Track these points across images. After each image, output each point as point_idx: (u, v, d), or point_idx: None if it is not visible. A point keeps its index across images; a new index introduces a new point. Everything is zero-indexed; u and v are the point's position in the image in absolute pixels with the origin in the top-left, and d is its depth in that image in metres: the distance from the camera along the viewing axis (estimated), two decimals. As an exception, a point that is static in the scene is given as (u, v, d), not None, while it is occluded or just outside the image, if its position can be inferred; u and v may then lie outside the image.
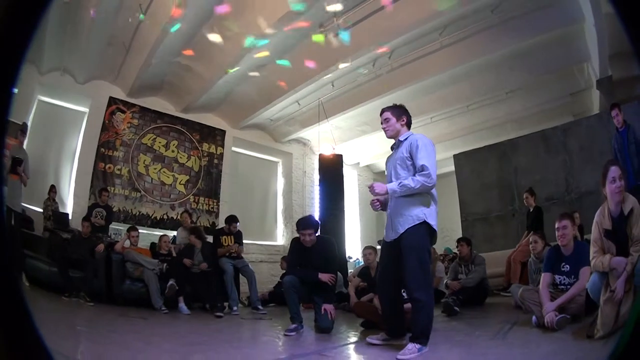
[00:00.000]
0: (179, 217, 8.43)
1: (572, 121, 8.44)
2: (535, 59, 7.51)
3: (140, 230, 7.14)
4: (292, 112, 9.17)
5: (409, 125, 3.39)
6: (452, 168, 9.69)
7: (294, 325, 4.25)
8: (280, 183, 10.69)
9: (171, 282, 6.01)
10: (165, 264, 6.37)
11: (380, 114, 3.43)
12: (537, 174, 8.00)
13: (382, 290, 3.43)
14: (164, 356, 3.08)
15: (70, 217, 7.49)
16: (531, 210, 6.61)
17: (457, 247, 6.36)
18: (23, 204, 6.37)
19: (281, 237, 10.39)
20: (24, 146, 5.84)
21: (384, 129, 3.39)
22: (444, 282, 6.19)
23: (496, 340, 3.18)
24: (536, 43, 7.03)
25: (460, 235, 7.13)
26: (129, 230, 6.83)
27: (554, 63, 7.61)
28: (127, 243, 6.58)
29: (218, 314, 5.75)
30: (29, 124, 7.30)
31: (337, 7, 6.35)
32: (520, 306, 3.97)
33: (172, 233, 7.82)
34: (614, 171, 3.00)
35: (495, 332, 3.34)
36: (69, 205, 7.95)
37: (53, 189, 7.53)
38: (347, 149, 9.62)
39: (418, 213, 3.09)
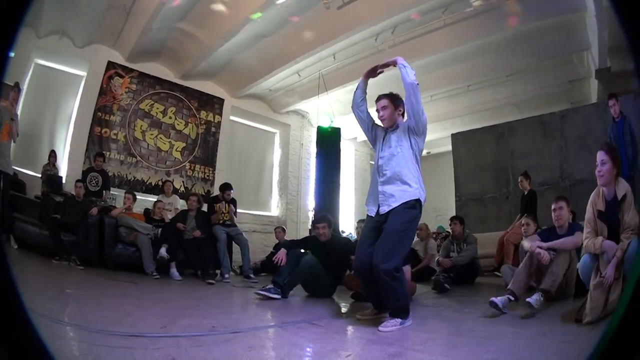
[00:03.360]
0: (163, 184, 8.29)
1: (569, 108, 8.41)
2: (536, 43, 7.47)
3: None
4: (292, 83, 9.06)
5: (403, 115, 3.26)
6: (449, 147, 9.54)
7: (271, 286, 4.42)
8: (276, 154, 10.61)
9: (163, 248, 6.00)
10: (159, 229, 6.34)
11: (377, 100, 3.27)
12: (533, 158, 7.98)
13: (362, 266, 3.10)
14: (152, 319, 3.01)
15: (64, 181, 7.44)
16: (525, 193, 6.58)
17: (450, 225, 6.38)
18: (16, 168, 6.39)
19: (275, 208, 10.36)
20: (19, 105, 5.78)
21: (380, 117, 3.26)
22: (436, 259, 6.23)
23: (484, 319, 3.13)
24: (538, 27, 6.99)
25: (454, 214, 6.98)
26: (125, 194, 6.83)
27: (555, 49, 7.56)
28: (122, 209, 6.56)
29: (209, 280, 5.77)
30: (25, 87, 7.28)
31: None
32: (510, 287, 3.91)
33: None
34: (600, 155, 3.00)
35: (484, 310, 3.30)
36: (63, 168, 7.86)
37: (53, 154, 7.49)
38: (346, 123, 9.49)
39: (413, 190, 3.02)
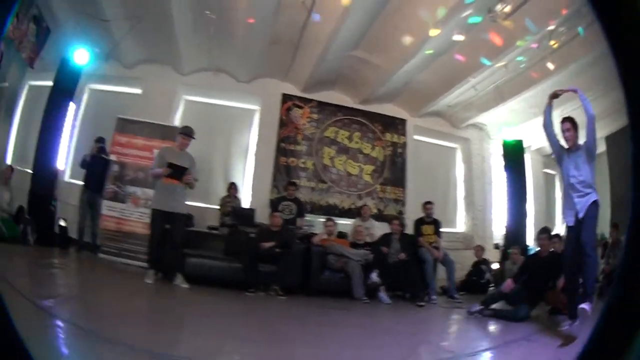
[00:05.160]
0: (358, 208, 8.99)
1: None
2: None
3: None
4: (469, 97, 9.34)
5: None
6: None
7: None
8: (459, 169, 10.98)
9: (374, 273, 6.53)
10: (372, 255, 6.84)
11: (562, 122, 4.50)
12: None
13: (572, 272, 4.43)
14: (386, 349, 3.50)
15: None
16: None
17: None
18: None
19: (462, 224, 10.74)
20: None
21: (566, 137, 4.46)
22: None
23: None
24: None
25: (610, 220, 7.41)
26: (326, 221, 7.47)
27: None
28: (324, 235, 7.20)
29: (420, 303, 6.37)
30: (177, 123, 8.51)
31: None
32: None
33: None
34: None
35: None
36: (245, 200, 8.83)
37: (233, 186, 8.49)
38: (519, 132, 9.62)
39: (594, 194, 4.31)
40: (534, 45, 7.62)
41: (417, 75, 8.85)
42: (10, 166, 7.89)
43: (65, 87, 8.37)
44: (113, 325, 3.34)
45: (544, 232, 6.18)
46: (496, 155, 10.27)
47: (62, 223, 8.16)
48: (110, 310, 4.07)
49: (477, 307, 5.54)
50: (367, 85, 9.34)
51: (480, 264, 8.34)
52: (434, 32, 7.19)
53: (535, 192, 11.48)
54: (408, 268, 6.79)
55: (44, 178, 8.11)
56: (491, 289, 7.64)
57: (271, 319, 4.95)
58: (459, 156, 11.00)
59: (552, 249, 5.87)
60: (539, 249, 6.15)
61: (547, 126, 4.57)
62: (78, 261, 7.44)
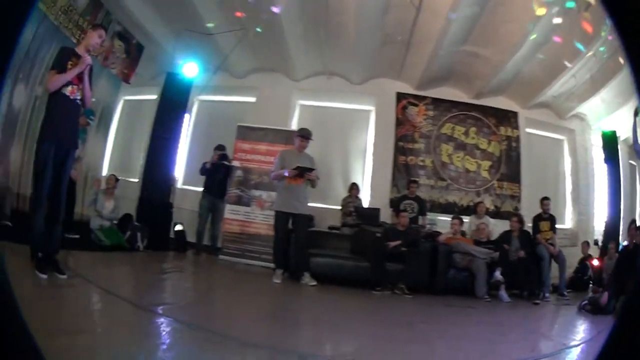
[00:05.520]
0: (475, 205, 9.12)
1: None
2: None
3: (444, 218, 8.52)
4: (570, 87, 9.36)
5: None
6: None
7: None
8: (567, 162, 10.90)
9: (498, 271, 6.64)
10: (497, 253, 6.93)
11: None
12: None
13: None
14: (514, 346, 3.60)
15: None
16: None
17: None
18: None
19: (569, 220, 10.63)
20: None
21: None
22: None
23: None
24: None
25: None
26: (452, 219, 7.69)
27: None
28: (450, 233, 7.45)
29: (536, 301, 6.54)
30: (294, 127, 8.84)
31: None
32: None
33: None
34: None
35: None
36: (365, 199, 9.13)
37: (355, 187, 8.77)
38: (612, 123, 9.64)
39: None
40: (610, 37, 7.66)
41: (524, 66, 8.95)
42: (114, 176, 8.09)
43: (174, 100, 8.81)
44: (249, 327, 3.49)
45: (632, 223, 6.45)
46: (596, 147, 10.27)
47: (179, 227, 8.65)
48: (245, 311, 4.28)
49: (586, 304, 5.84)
50: (479, 79, 9.53)
51: (585, 260, 8.48)
52: (540, 11, 7.28)
53: (624, 184, 11.43)
54: (527, 266, 6.91)
55: (157, 185, 8.60)
56: (592, 286, 7.88)
57: (401, 316, 5.05)
58: (565, 148, 10.89)
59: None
60: (626, 242, 6.36)
61: (635, 144, 4.63)
62: (199, 263, 7.79)
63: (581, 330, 5.00)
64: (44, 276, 3.66)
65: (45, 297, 3.29)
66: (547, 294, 6.90)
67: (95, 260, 5.97)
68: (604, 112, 9.80)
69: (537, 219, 7.88)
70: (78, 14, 8.01)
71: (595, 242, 9.40)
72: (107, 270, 5.57)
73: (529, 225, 7.92)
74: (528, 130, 10.34)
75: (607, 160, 9.62)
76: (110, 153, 10.59)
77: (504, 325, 4.99)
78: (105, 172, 10.13)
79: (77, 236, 6.81)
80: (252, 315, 4.07)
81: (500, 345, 3.50)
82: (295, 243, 6.32)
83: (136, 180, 9.76)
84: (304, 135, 6.39)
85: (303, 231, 6.38)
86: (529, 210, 8.67)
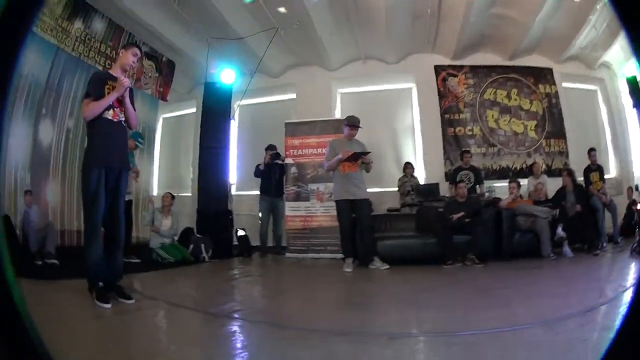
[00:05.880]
0: (528, 166, 9.28)
1: None
2: None
3: (500, 184, 8.76)
4: (593, 37, 9.51)
5: None
6: None
7: None
8: (603, 112, 10.83)
9: (559, 228, 6.74)
10: (557, 210, 7.02)
11: None
12: None
13: None
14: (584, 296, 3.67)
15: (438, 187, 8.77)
16: None
17: None
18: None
19: (613, 168, 10.53)
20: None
21: None
22: None
23: None
24: None
25: None
26: (509, 183, 7.68)
27: None
28: (509, 198, 7.44)
29: (595, 252, 6.69)
30: (339, 116, 9.23)
31: None
32: None
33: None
34: None
35: None
36: (420, 176, 9.34)
37: (409, 165, 8.98)
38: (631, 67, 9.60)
39: None
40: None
41: (549, 22, 9.06)
42: (170, 193, 8.09)
43: (216, 108, 8.87)
44: (332, 318, 3.43)
45: None
46: (624, 94, 10.21)
47: (241, 233, 8.83)
48: (324, 303, 4.28)
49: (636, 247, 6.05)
50: (510, 40, 9.68)
51: (632, 206, 8.65)
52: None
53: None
54: (585, 219, 7.04)
55: (213, 195, 8.59)
56: (638, 229, 7.82)
57: (476, 285, 5.03)
58: (600, 98, 10.89)
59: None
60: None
61: None
62: (267, 264, 7.82)
63: (635, 271, 5.22)
64: (107, 305, 3.48)
65: (118, 324, 3.19)
66: (604, 244, 7.11)
67: (161, 279, 5.92)
68: (624, 59, 9.88)
69: (587, 171, 8.10)
70: (98, 41, 8.11)
71: (636, 188, 9.30)
72: (175, 285, 5.53)
73: (579, 179, 8.00)
74: (564, 84, 10.49)
75: (635, 105, 9.53)
76: (158, 172, 10.77)
77: (571, 279, 5.08)
78: (155, 191, 10.30)
79: (137, 260, 6.89)
80: (332, 306, 4.09)
81: (572, 298, 3.54)
82: (360, 229, 6.35)
83: (189, 194, 9.92)
84: (353, 123, 6.42)
85: (367, 216, 6.40)
86: (576, 164, 8.76)
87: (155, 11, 8.29)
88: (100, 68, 7.89)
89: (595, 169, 7.99)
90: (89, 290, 3.67)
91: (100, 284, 3.62)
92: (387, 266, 6.02)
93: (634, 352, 0.86)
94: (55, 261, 5.94)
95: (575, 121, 10.37)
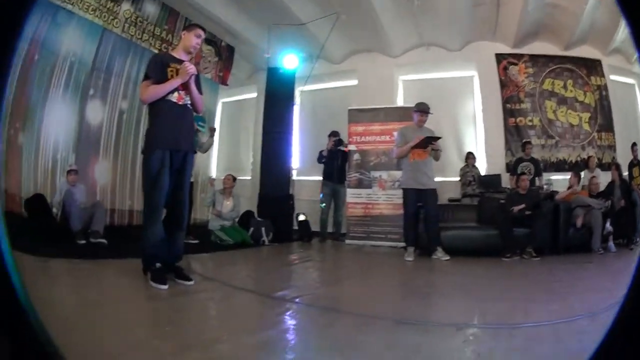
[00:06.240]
0: (584, 160, 9.13)
1: None
2: None
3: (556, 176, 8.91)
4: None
5: None
6: None
7: None
8: None
9: (608, 222, 6.81)
10: (609, 201, 7.13)
11: None
12: None
13: None
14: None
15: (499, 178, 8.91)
16: None
17: None
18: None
19: None
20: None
21: None
22: None
23: None
24: None
25: None
26: (571, 177, 7.80)
27: None
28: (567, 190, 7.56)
29: (631, 246, 6.93)
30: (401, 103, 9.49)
31: None
32: None
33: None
34: None
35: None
36: (481, 167, 9.43)
37: (471, 156, 9.13)
38: None
39: None
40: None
41: (595, 13, 8.91)
42: (232, 175, 8.22)
43: (280, 93, 9.12)
44: (397, 306, 3.52)
45: None
46: None
47: (302, 217, 8.98)
48: (388, 290, 4.36)
49: None
50: (564, 30, 9.55)
51: None
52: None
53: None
54: (627, 213, 7.24)
55: (276, 179, 8.87)
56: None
57: (534, 278, 5.16)
58: (637, 92, 10.86)
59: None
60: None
61: None
62: (327, 250, 7.87)
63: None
64: (164, 287, 3.44)
65: (181, 306, 3.18)
66: (638, 239, 7.24)
67: (220, 261, 5.96)
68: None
69: (630, 166, 8.19)
70: (151, 24, 8.16)
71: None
72: (235, 268, 5.61)
73: (625, 173, 8.19)
74: (611, 77, 10.31)
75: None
76: (217, 155, 10.93)
77: (616, 273, 5.12)
78: (214, 174, 10.57)
79: (195, 241, 6.92)
80: (395, 294, 4.18)
81: (618, 292, 3.62)
82: (426, 218, 6.36)
83: (248, 177, 10.03)
84: (423, 109, 6.41)
85: (434, 206, 6.41)
86: (622, 158, 8.84)
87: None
88: (156, 51, 7.96)
89: (636, 163, 8.05)
90: (143, 271, 3.69)
91: (158, 264, 3.61)
92: (448, 257, 6.07)
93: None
94: (103, 240, 5.89)
95: (622, 114, 10.22)
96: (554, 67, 10.00)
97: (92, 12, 7.30)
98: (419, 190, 6.21)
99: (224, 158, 11.29)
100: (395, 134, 7.20)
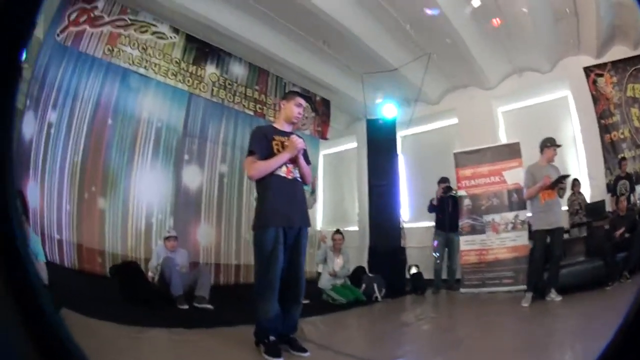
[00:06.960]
0: None
1: None
2: None
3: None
4: None
5: None
6: None
7: None
8: None
9: None
10: None
11: None
12: None
13: None
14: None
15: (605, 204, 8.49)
16: None
17: None
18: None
19: None
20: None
21: None
22: None
23: None
24: None
25: None
26: None
27: None
28: None
29: None
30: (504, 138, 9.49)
31: None
32: None
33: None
34: None
35: None
36: (585, 192, 9.13)
37: (577, 183, 8.63)
38: None
39: None
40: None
41: None
42: (341, 233, 8.07)
43: (380, 145, 9.06)
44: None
45: None
46: None
47: (414, 270, 9.04)
48: (506, 344, 4.17)
49: None
50: (631, 28, 8.99)
51: None
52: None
53: None
54: None
55: (386, 232, 8.78)
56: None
57: None
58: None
59: None
60: None
61: None
62: (440, 303, 7.85)
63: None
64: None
65: None
66: None
67: (333, 324, 5.76)
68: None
69: None
70: (242, 85, 8.00)
71: None
72: (350, 332, 5.55)
73: None
74: None
75: None
76: (322, 207, 11.41)
77: None
78: (319, 226, 10.93)
79: (307, 301, 6.77)
80: (523, 351, 3.85)
81: None
82: (552, 258, 6.13)
83: (355, 228, 10.25)
84: (552, 143, 6.25)
85: (559, 246, 6.25)
86: None
87: (300, 51, 8.22)
88: (251, 113, 7.87)
89: None
90: (256, 343, 3.60)
91: (272, 337, 3.52)
92: (561, 297, 5.93)
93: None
94: (209, 306, 5.73)
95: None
96: (631, 69, 9.38)
97: (172, 77, 7.19)
98: (548, 231, 6.11)
99: (329, 210, 11.46)
100: (522, 173, 6.96)
